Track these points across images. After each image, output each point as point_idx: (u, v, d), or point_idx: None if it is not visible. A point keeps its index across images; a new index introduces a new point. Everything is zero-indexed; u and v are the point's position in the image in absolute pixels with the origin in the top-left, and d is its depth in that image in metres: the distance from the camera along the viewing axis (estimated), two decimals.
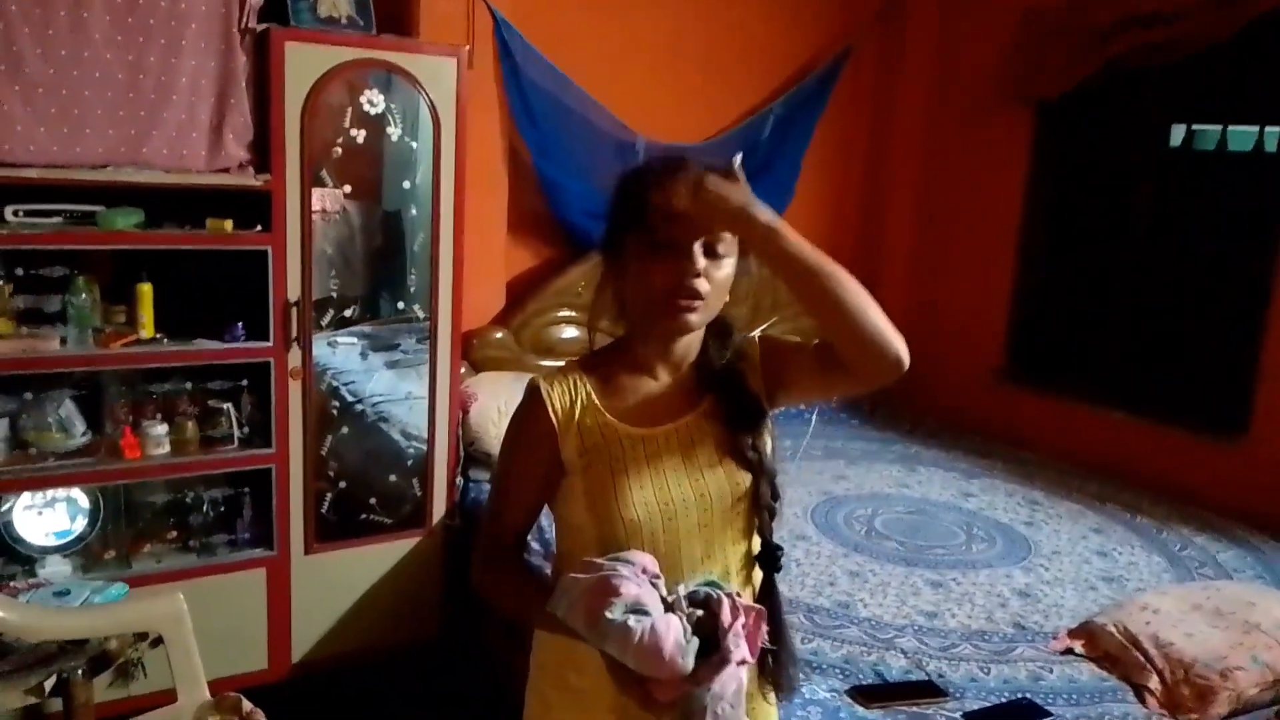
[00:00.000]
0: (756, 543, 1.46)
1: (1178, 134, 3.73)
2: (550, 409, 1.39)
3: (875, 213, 4.62)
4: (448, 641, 3.25)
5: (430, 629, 3.23)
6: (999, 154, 4.19)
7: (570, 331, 3.73)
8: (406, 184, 2.95)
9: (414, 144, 2.93)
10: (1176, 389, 3.72)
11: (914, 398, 4.52)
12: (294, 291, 2.80)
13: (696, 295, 1.32)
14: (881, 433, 4.13)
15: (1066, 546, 3.01)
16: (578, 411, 1.40)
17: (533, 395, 1.41)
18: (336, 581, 3.07)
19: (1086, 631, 2.42)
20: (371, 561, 3.11)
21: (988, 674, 2.25)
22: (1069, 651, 2.37)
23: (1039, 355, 4.22)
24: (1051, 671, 2.27)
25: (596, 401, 1.41)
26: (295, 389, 2.86)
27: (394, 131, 2.88)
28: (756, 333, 1.57)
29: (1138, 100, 3.79)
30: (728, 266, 1.35)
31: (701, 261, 1.31)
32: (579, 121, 3.66)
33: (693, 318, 1.34)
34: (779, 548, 1.46)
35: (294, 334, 2.81)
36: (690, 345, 1.46)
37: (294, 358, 2.84)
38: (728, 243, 1.34)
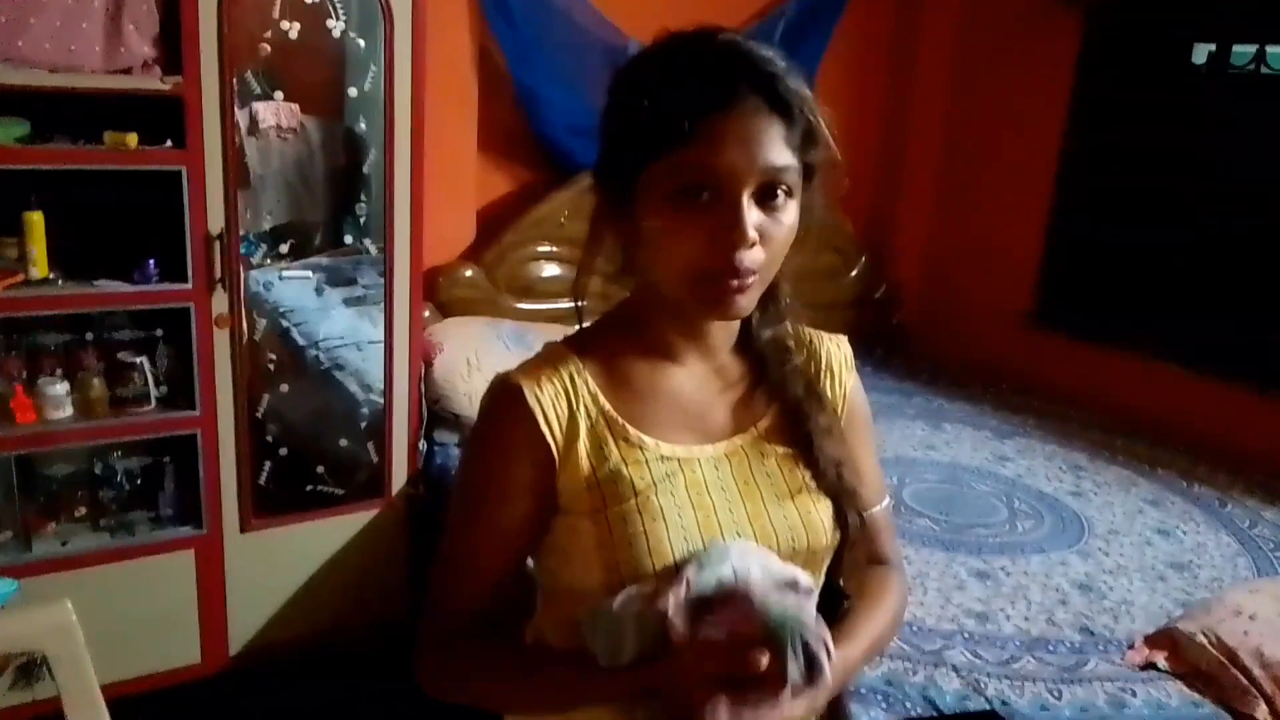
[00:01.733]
0: None
1: (1246, 54, 3.24)
2: (543, 420, 0.95)
3: (896, 135, 4.11)
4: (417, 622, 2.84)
5: (395, 609, 2.82)
6: (1040, 70, 3.68)
7: (552, 269, 3.26)
8: (353, 91, 2.44)
9: (361, 42, 2.41)
10: (1231, 338, 3.29)
11: (934, 342, 4.10)
12: (217, 222, 2.31)
13: (746, 270, 0.88)
14: (899, 382, 3.70)
15: (1123, 524, 2.62)
16: (582, 422, 0.96)
17: (513, 401, 0.95)
18: (280, 562, 2.64)
19: (1170, 640, 2.03)
20: (321, 538, 2.68)
21: (1059, 698, 1.86)
22: (1150, 666, 1.98)
23: (1074, 298, 3.78)
24: (1135, 695, 1.89)
25: (606, 405, 0.97)
26: (222, 339, 2.39)
27: (336, 25, 2.36)
28: (843, 337, 1.14)
29: (1204, 11, 3.29)
30: (790, 214, 0.91)
31: (755, 218, 0.87)
32: (563, 20, 3.13)
33: (741, 301, 0.90)
34: (845, 595, 1.07)
35: (218, 273, 2.33)
36: (730, 324, 1.03)
37: (219, 302, 2.36)
38: (795, 176, 0.89)
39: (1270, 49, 3.19)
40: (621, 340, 1.01)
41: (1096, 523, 2.62)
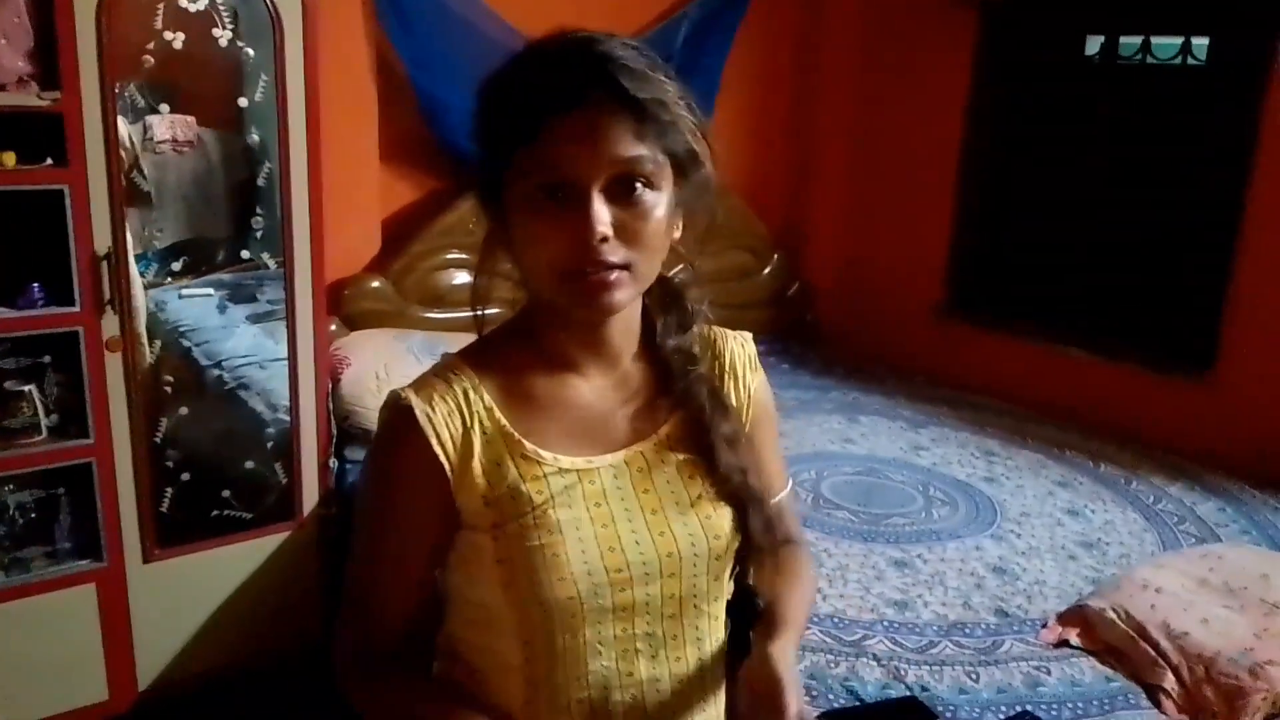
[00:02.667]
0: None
1: (1135, 44, 3.35)
2: (435, 441, 0.92)
3: (804, 130, 4.16)
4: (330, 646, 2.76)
5: (311, 633, 2.73)
6: (940, 67, 3.76)
7: (462, 277, 3.20)
8: (244, 101, 2.37)
9: (251, 51, 2.34)
10: (1135, 324, 3.40)
11: (848, 337, 4.16)
12: (103, 242, 2.21)
13: (606, 265, 0.87)
14: (816, 378, 3.73)
15: (1034, 506, 2.68)
16: (477, 439, 0.94)
17: (404, 422, 0.93)
18: (188, 591, 2.54)
19: (1081, 618, 2.07)
20: (231, 564, 2.59)
21: (977, 681, 1.89)
22: (1064, 644, 2.03)
23: (982, 289, 3.86)
24: (1050, 673, 1.92)
25: (502, 420, 0.95)
26: (115, 363, 2.29)
27: (222, 34, 2.28)
28: (747, 335, 1.13)
29: (1092, 4, 3.39)
30: (659, 206, 0.89)
31: (605, 214, 0.86)
32: (462, 25, 3.08)
33: (610, 296, 0.89)
34: (753, 593, 1.05)
35: (107, 295, 2.23)
36: (629, 326, 1.00)
37: (110, 325, 2.26)
38: (652, 166, 0.88)
39: (1155, 40, 3.30)
40: (519, 351, 0.99)
41: (1009, 506, 2.67)
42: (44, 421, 2.29)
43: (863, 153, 4.11)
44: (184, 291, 2.58)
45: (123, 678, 2.50)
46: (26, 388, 2.27)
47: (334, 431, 2.67)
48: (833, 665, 1.90)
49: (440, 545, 0.97)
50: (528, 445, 0.95)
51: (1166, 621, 1.95)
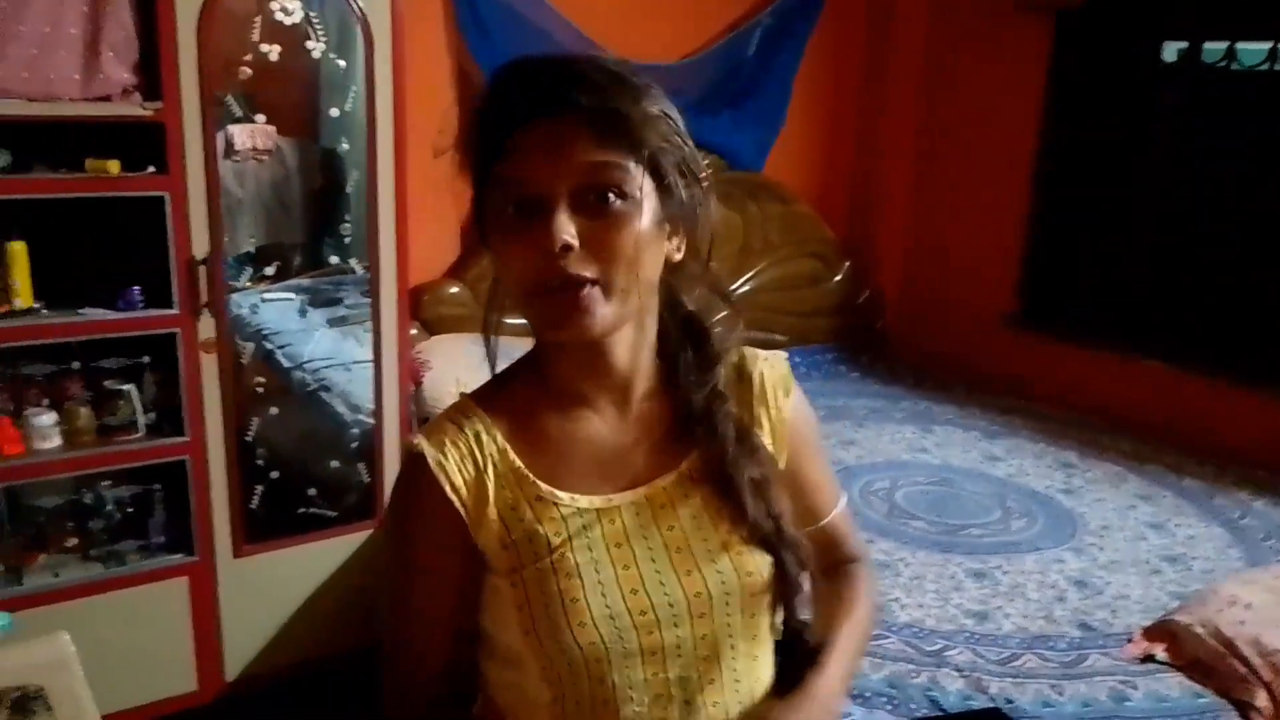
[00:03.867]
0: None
1: (1217, 51, 3.29)
2: (449, 487, 0.90)
3: (872, 137, 4.15)
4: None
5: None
6: (1011, 72, 3.73)
7: None
8: (335, 112, 2.43)
9: (342, 63, 2.40)
10: (1212, 333, 3.33)
11: (918, 345, 4.12)
12: (201, 246, 2.29)
13: (572, 278, 0.83)
14: (886, 386, 3.72)
15: (1115, 519, 2.64)
16: (490, 482, 0.91)
17: (418, 470, 0.91)
18: (273, 586, 2.61)
19: (1167, 632, 2.04)
20: (315, 560, 2.65)
21: (1062, 694, 1.87)
22: (1149, 658, 2.00)
23: (1055, 298, 3.82)
24: (1136, 688, 1.90)
25: (515, 461, 0.93)
26: (210, 364, 2.37)
27: (316, 47, 2.35)
28: (780, 355, 1.05)
29: (1172, 10, 3.34)
30: (630, 217, 0.85)
31: (568, 224, 0.82)
32: (539, 38, 3.14)
33: (588, 317, 0.85)
34: (804, 624, 1.00)
35: (204, 298, 2.31)
36: (636, 356, 0.95)
37: (206, 326, 2.34)
38: (621, 174, 0.84)
39: (1240, 46, 3.24)
40: (530, 388, 0.96)
41: (1089, 519, 2.64)
42: (141, 420, 2.38)
43: (931, 161, 4.09)
44: (266, 295, 2.65)
45: (210, 669, 2.58)
46: (126, 387, 2.36)
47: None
48: (914, 675, 1.90)
49: (468, 587, 0.94)
50: (542, 486, 0.92)
51: (1257, 637, 1.92)
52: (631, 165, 0.84)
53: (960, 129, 3.97)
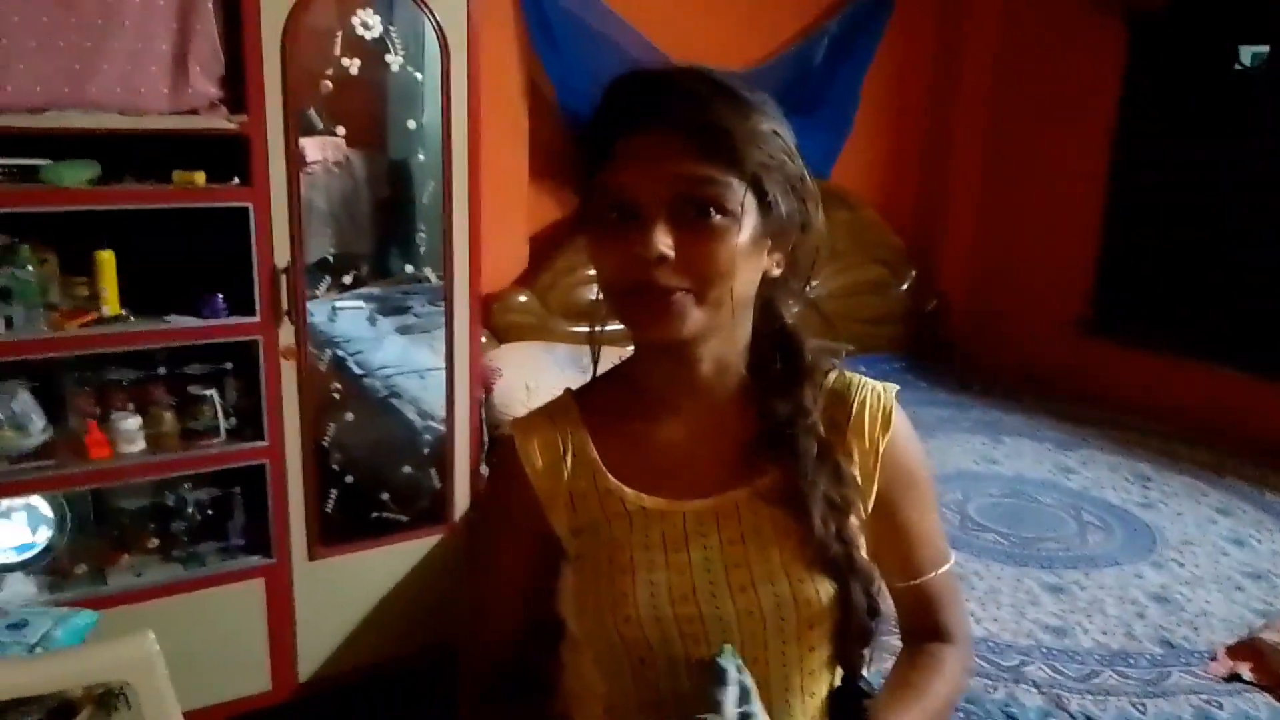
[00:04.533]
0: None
1: None
2: (530, 471, 0.97)
3: (941, 147, 4.10)
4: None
5: (459, 634, 2.83)
6: (1084, 79, 3.67)
7: None
8: (411, 124, 2.48)
9: (419, 75, 2.45)
10: None
11: (986, 353, 4.07)
12: (282, 256, 2.34)
13: (663, 287, 0.85)
14: (954, 395, 3.67)
15: (1195, 534, 2.58)
16: (567, 471, 0.97)
17: (507, 451, 1.00)
18: (346, 589, 2.66)
19: (1253, 650, 1.99)
20: (386, 564, 2.70)
21: (1144, 712, 1.83)
22: (1234, 677, 1.94)
23: (1129, 304, 3.74)
24: (1222, 707, 1.85)
25: (594, 454, 0.98)
26: (289, 370, 2.42)
27: (394, 60, 2.40)
28: (892, 389, 1.02)
29: (1245, 15, 3.26)
30: (734, 233, 0.85)
31: (665, 234, 0.84)
32: (608, 47, 3.16)
33: (675, 321, 0.86)
34: (865, 692, 0.97)
35: (284, 306, 2.36)
36: (722, 367, 0.95)
37: (285, 334, 2.39)
38: (721, 189, 0.84)
39: None
40: (623, 389, 1.00)
41: (1168, 533, 2.57)
42: (222, 424, 2.44)
43: (1001, 166, 4.04)
44: (338, 304, 2.70)
45: (284, 669, 2.63)
46: (209, 392, 2.42)
47: (485, 440, 2.76)
48: (991, 690, 1.87)
49: (540, 570, 1.00)
50: (611, 480, 0.96)
51: None
52: (734, 181, 0.85)
53: (1031, 134, 3.91)
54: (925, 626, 1.04)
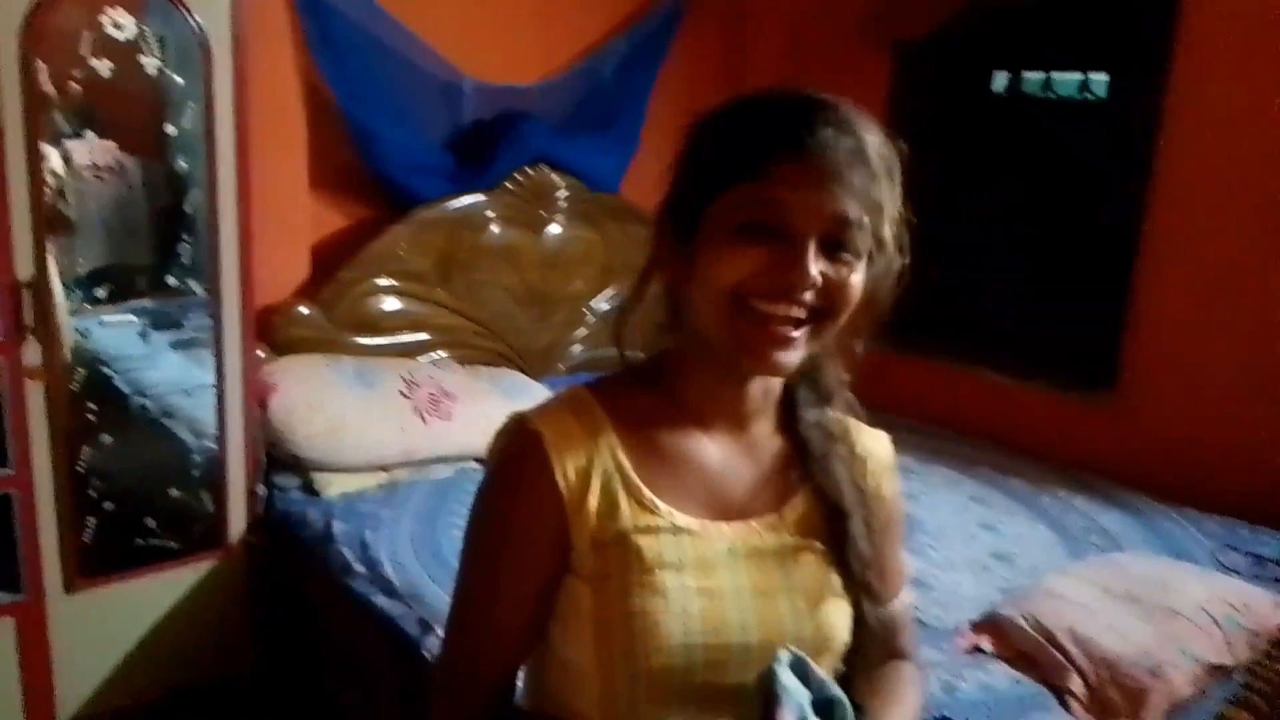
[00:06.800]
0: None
1: (1039, 80, 3.53)
2: (559, 471, 0.89)
3: None
4: (267, 676, 2.73)
5: (240, 664, 2.71)
6: (857, 100, 3.88)
7: (393, 303, 3.18)
8: (170, 129, 2.37)
9: (179, 79, 2.35)
10: (1040, 345, 3.56)
11: None
12: (25, 268, 2.19)
13: (794, 321, 0.85)
14: None
15: (952, 521, 2.78)
16: (597, 476, 0.90)
17: (530, 447, 0.90)
18: (110, 622, 2.50)
19: (993, 625, 2.16)
20: (156, 594, 2.56)
21: None
22: (977, 650, 2.11)
23: (894, 314, 3.99)
24: (964, 679, 2.00)
25: (624, 462, 0.92)
26: (37, 392, 2.26)
27: (150, 63, 2.29)
28: (883, 435, 1.08)
29: (1000, 45, 3.57)
30: (856, 277, 0.88)
31: (816, 264, 0.85)
32: (394, 58, 3.11)
33: (783, 355, 0.87)
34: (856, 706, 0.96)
35: (29, 323, 2.21)
36: (770, 389, 0.96)
37: (32, 353, 2.24)
38: (860, 232, 0.86)
39: (1055, 76, 3.49)
40: (650, 397, 0.96)
41: (927, 521, 2.77)
42: None
43: None
44: (105, 319, 2.55)
45: (41, 712, 2.44)
46: None
47: (262, 458, 2.66)
48: None
49: (551, 584, 0.92)
50: (646, 493, 0.91)
51: (1073, 627, 2.05)
52: (866, 222, 0.86)
53: None
54: (887, 650, 1.07)
